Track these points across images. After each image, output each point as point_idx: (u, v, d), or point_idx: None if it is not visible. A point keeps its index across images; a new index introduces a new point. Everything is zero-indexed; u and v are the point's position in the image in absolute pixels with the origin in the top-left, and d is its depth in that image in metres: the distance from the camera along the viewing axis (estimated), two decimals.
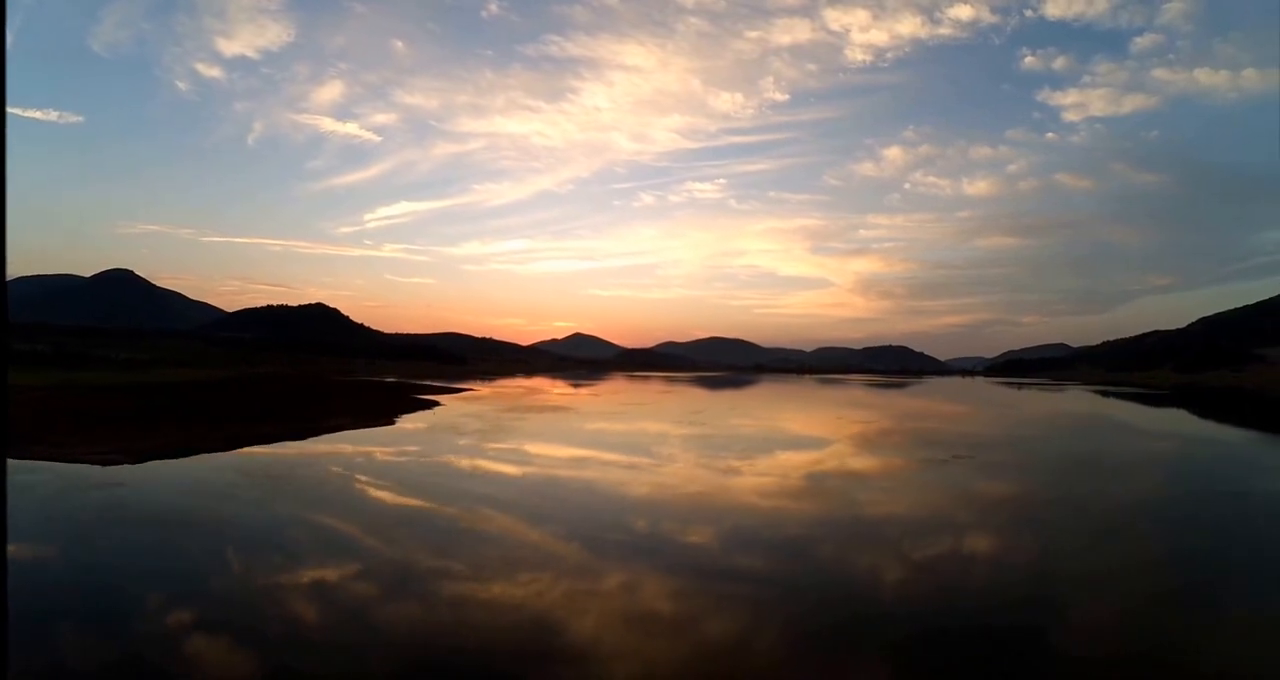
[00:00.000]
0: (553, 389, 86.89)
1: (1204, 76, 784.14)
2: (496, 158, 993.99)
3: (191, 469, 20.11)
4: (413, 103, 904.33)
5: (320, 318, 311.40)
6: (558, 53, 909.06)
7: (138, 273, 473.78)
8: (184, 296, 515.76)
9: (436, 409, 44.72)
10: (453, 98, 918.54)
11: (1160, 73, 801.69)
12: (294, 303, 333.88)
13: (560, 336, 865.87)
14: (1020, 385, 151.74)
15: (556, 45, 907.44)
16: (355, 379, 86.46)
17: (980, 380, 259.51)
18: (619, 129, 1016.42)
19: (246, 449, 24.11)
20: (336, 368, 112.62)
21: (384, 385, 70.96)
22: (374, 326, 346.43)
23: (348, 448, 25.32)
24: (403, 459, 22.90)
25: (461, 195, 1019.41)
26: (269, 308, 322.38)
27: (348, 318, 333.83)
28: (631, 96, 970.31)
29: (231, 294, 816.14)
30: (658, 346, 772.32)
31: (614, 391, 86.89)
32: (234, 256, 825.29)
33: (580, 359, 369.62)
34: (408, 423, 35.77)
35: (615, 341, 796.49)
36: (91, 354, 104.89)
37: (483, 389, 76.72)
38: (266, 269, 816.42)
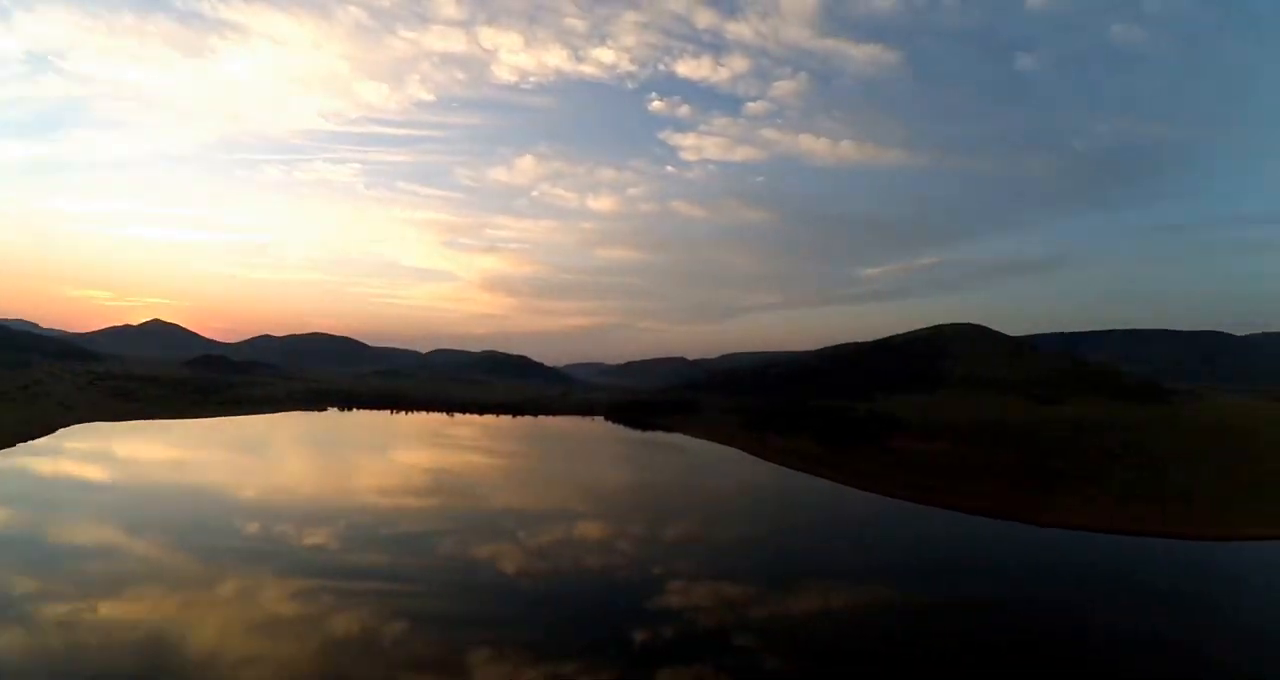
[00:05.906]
0: None
1: (806, 142, 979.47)
2: (115, 108, 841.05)
3: None
4: (35, 31, 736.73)
5: None
6: (208, 11, 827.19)
7: None
8: None
9: None
10: (82, 35, 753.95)
11: (769, 132, 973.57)
12: None
13: (136, 322, 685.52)
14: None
15: (208, 3, 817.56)
16: None
17: (600, 422, 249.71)
18: (256, 99, 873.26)
19: None
20: None
21: None
22: None
23: None
24: None
25: (62, 142, 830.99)
26: None
27: None
28: (276, 69, 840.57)
29: None
30: (251, 341, 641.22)
31: None
32: None
33: (119, 378, 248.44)
34: None
35: (201, 333, 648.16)
36: None
37: None
38: None
